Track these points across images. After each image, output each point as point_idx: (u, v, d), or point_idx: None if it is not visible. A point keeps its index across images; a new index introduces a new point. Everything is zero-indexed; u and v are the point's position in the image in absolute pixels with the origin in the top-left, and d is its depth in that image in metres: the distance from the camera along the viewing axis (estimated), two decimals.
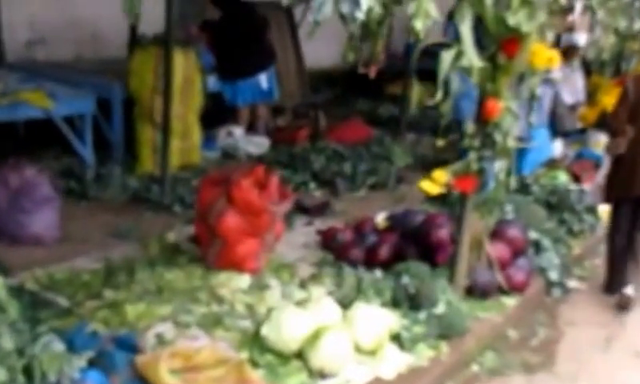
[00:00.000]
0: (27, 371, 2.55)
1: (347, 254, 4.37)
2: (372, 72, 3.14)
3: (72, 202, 5.15)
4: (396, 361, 3.30)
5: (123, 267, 4.02)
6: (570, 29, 9.16)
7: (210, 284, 3.90)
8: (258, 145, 6.98)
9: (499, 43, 3.26)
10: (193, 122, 6.19)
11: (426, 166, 6.64)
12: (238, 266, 3.95)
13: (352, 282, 3.96)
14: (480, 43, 3.29)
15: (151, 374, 2.75)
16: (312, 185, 6.07)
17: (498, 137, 3.49)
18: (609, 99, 6.86)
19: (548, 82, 6.69)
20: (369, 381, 3.20)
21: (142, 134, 6.01)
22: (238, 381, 2.87)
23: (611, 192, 4.68)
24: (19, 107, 5.21)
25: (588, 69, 7.66)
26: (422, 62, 4.46)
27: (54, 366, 2.59)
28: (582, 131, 7.78)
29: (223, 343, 3.24)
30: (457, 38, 3.14)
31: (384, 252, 4.32)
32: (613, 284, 4.66)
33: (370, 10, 2.59)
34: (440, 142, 6.53)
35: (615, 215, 4.67)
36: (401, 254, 4.28)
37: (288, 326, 3.20)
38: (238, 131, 6.94)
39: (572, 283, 4.75)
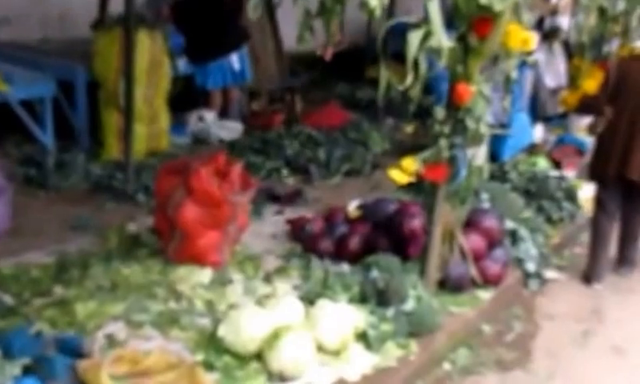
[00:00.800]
0: None
1: (316, 246, 4.17)
2: (327, 54, 2.93)
3: (29, 192, 4.92)
4: (362, 361, 3.12)
5: (77, 262, 3.80)
6: (554, 11, 8.99)
7: (168, 279, 3.69)
8: (231, 130, 6.75)
9: (470, 23, 3.05)
10: (160, 106, 5.96)
11: (403, 152, 6.43)
12: (198, 260, 3.74)
13: (319, 275, 3.79)
14: (450, 23, 3.09)
15: (92, 381, 2.55)
16: (285, 171, 5.87)
17: (469, 123, 3.29)
18: (591, 83, 6.66)
19: (529, 65, 6.52)
20: (332, 383, 3.01)
21: (107, 119, 5.77)
22: None
23: (592, 171, 4.70)
24: None
25: (569, 52, 7.48)
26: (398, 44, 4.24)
27: None
28: (564, 116, 7.62)
29: (177, 345, 3.05)
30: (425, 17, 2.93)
31: (354, 244, 4.13)
32: (592, 272, 4.59)
33: None
34: (409, 128, 6.36)
35: (600, 196, 4.65)
36: (372, 246, 4.09)
37: (246, 325, 3.01)
38: (210, 115, 6.70)
39: (550, 274, 4.59)
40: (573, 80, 7.18)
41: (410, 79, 2.96)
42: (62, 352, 2.77)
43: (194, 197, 3.60)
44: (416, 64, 3.06)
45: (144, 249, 4.03)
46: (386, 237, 4.11)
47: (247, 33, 7.14)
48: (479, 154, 5.02)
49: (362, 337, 3.23)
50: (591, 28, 5.46)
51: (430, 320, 3.45)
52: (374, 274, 3.60)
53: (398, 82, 3.08)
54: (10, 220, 4.20)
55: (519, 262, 4.38)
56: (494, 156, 6.25)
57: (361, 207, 4.57)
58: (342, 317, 3.18)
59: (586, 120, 7.15)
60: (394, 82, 3.05)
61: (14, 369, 2.49)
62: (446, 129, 3.30)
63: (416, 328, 3.39)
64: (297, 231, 4.43)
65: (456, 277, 3.82)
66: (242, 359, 3.01)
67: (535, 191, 5.18)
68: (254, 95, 7.80)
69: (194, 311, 3.41)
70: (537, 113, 7.58)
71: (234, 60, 6.83)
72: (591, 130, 4.73)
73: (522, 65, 6.18)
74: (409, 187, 5.14)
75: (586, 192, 5.87)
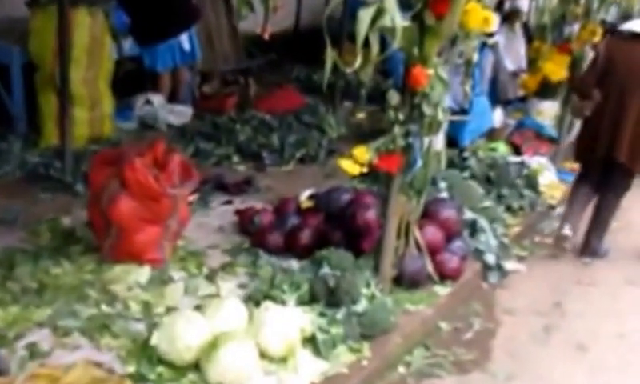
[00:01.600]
0: None
1: (264, 240, 3.92)
2: (265, 33, 2.66)
3: None
4: (309, 368, 2.89)
5: (1, 260, 3.47)
6: None
7: (102, 279, 3.40)
8: (180, 114, 6.41)
9: (426, 1, 2.81)
10: (103, 89, 5.58)
11: (360, 137, 6.22)
12: (136, 258, 3.46)
13: (267, 273, 3.54)
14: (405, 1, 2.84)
15: None
16: (236, 158, 5.57)
17: (426, 108, 3.06)
18: (551, 66, 6.55)
19: (489, 47, 6.34)
20: None
21: (45, 103, 5.37)
22: None
23: (579, 153, 4.81)
24: None
25: (529, 34, 7.33)
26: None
27: None
28: (523, 99, 7.49)
29: (107, 355, 2.78)
30: None
31: (305, 237, 3.89)
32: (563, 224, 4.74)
33: None
34: (360, 114, 6.12)
35: (583, 169, 4.80)
36: (324, 239, 3.85)
37: (182, 333, 2.75)
38: (158, 99, 6.34)
39: (510, 265, 4.42)
40: (533, 63, 7.06)
41: (359, 61, 2.70)
42: None
43: (129, 190, 3.30)
44: (368, 44, 2.81)
45: (78, 245, 3.72)
46: (340, 229, 3.89)
47: (198, 11, 6.78)
48: (437, 140, 4.84)
49: (311, 341, 3.00)
50: (552, 9, 5.29)
51: (384, 321, 3.23)
52: (325, 271, 3.37)
53: (347, 64, 2.82)
54: None
55: (478, 253, 4.20)
56: (453, 141, 6.08)
57: (313, 197, 4.32)
58: (288, 320, 2.94)
59: (546, 103, 7.07)
60: (341, 65, 2.79)
61: None
62: (401, 115, 3.06)
63: (369, 330, 3.17)
64: (245, 223, 4.17)
65: (412, 272, 3.61)
66: (177, 370, 2.75)
67: (495, 179, 5.00)
68: (206, 77, 7.46)
69: (128, 315, 3.14)
70: (497, 96, 7.43)
71: (184, 40, 6.47)
72: (578, 112, 4.77)
73: (483, 47, 6.00)
74: (365, 175, 4.93)
75: (547, 178, 5.76)
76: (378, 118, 6.43)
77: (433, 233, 3.78)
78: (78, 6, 5.16)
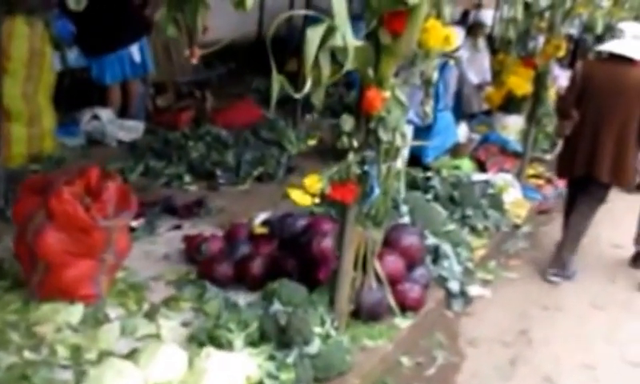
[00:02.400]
0: None
1: (213, 270, 3.63)
2: (193, 56, 2.39)
3: None
4: None
5: None
6: (478, 5, 8.73)
7: (28, 319, 3.06)
8: (131, 129, 6.07)
9: (381, 18, 2.57)
10: (43, 103, 5.23)
11: (323, 154, 5.98)
12: (67, 295, 3.13)
13: (213, 309, 3.25)
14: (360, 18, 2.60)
15: None
16: (187, 178, 5.25)
17: (383, 134, 2.81)
18: (515, 80, 6.41)
19: (451, 62, 6.16)
20: None
21: None
22: None
23: (559, 171, 4.91)
24: None
25: (494, 47, 7.20)
26: None
27: None
28: (488, 112, 7.35)
29: None
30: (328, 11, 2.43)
31: (257, 267, 3.61)
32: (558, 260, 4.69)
33: None
34: (311, 141, 5.87)
35: (570, 195, 4.86)
36: (278, 269, 3.58)
37: None
38: (106, 113, 6.00)
39: (475, 290, 4.20)
40: (497, 75, 6.91)
41: (308, 85, 2.45)
42: None
43: (55, 221, 2.98)
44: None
45: (4, 280, 3.37)
46: (294, 258, 3.62)
47: (150, 22, 6.46)
48: (398, 160, 4.60)
49: None
50: (516, 23, 5.13)
51: (339, 361, 2.97)
52: (276, 307, 3.09)
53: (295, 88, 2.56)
54: None
55: (442, 280, 3.98)
56: (417, 157, 5.88)
57: (267, 222, 4.05)
58: (232, 368, 2.66)
59: (511, 118, 6.93)
60: (289, 88, 2.54)
61: None
62: (355, 141, 2.81)
63: (323, 372, 2.91)
64: (192, 251, 3.86)
65: (370, 305, 3.35)
66: None
67: (459, 199, 4.79)
68: (160, 90, 7.14)
69: (54, 362, 2.81)
70: (461, 110, 7.27)
71: (134, 51, 6.15)
72: (557, 131, 4.93)
73: (446, 63, 5.81)
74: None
75: (512, 196, 5.58)
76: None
77: (393, 262, 3.53)
78: (14, 15, 4.82)
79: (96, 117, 5.97)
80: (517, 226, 5.21)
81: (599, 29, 5.89)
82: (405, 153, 5.70)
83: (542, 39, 5.57)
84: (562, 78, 7.13)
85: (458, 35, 6.37)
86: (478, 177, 5.44)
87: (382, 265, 3.43)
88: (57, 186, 2.95)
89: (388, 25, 2.57)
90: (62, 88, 5.73)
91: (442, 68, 5.97)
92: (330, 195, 2.85)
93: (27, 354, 2.84)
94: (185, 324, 3.20)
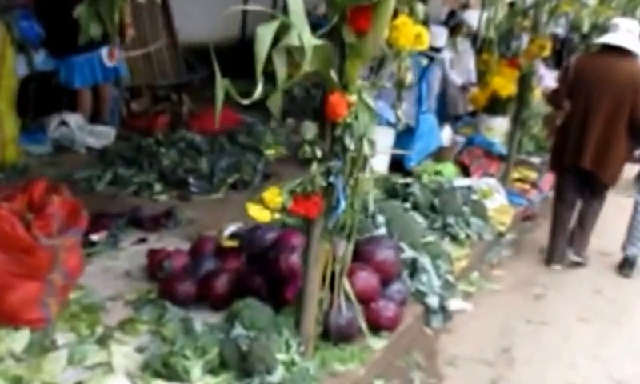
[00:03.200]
0: None
1: (174, 289, 3.39)
2: (112, 58, 2.17)
3: None
4: None
5: None
6: (465, 6, 8.53)
7: None
8: (101, 135, 5.84)
9: (344, 14, 2.34)
10: (4, 109, 4.99)
11: (303, 160, 5.75)
12: (10, 320, 2.89)
13: (171, 332, 3.02)
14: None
15: None
16: (158, 187, 5.02)
17: (349, 142, 2.59)
18: (499, 81, 6.20)
19: (435, 62, 5.96)
20: None
21: None
22: None
23: (552, 162, 4.93)
24: None
25: (478, 48, 6.99)
26: None
27: None
28: (473, 114, 7.15)
29: None
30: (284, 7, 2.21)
31: (221, 285, 3.38)
32: (552, 256, 4.82)
33: None
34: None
35: (558, 185, 4.94)
36: (244, 286, 3.36)
37: None
38: (75, 119, 5.77)
39: (455, 304, 3.99)
40: (482, 76, 6.71)
41: (258, 92, 2.23)
42: None
43: None
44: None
45: None
46: (261, 274, 3.40)
47: (124, 25, 6.21)
48: (378, 163, 4.38)
49: None
50: (500, 22, 4.93)
51: None
52: (238, 331, 2.87)
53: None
54: None
55: (420, 295, 3.75)
56: (399, 163, 5.67)
57: (235, 235, 3.83)
58: None
59: (496, 120, 6.72)
60: (236, 96, 2.32)
61: None
62: (319, 151, 2.59)
63: None
64: (155, 268, 3.63)
65: (340, 326, 3.12)
66: None
67: (440, 207, 4.57)
68: (135, 94, 6.89)
69: None
70: (446, 112, 7.07)
71: (105, 54, 5.89)
72: (550, 122, 4.92)
73: (429, 64, 5.61)
74: None
75: (496, 201, 5.38)
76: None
77: (366, 278, 3.31)
78: None
79: (64, 123, 5.74)
80: (501, 234, 5.01)
81: (585, 28, 5.70)
82: (386, 158, 5.52)
83: (526, 39, 5.38)
84: (547, 79, 6.94)
85: (441, 35, 6.19)
86: (461, 182, 5.23)
87: (354, 282, 3.20)
88: None
89: (352, 22, 2.34)
90: (28, 93, 5.50)
91: (425, 69, 5.77)
92: (292, 209, 2.62)
93: None
94: (140, 349, 2.96)
